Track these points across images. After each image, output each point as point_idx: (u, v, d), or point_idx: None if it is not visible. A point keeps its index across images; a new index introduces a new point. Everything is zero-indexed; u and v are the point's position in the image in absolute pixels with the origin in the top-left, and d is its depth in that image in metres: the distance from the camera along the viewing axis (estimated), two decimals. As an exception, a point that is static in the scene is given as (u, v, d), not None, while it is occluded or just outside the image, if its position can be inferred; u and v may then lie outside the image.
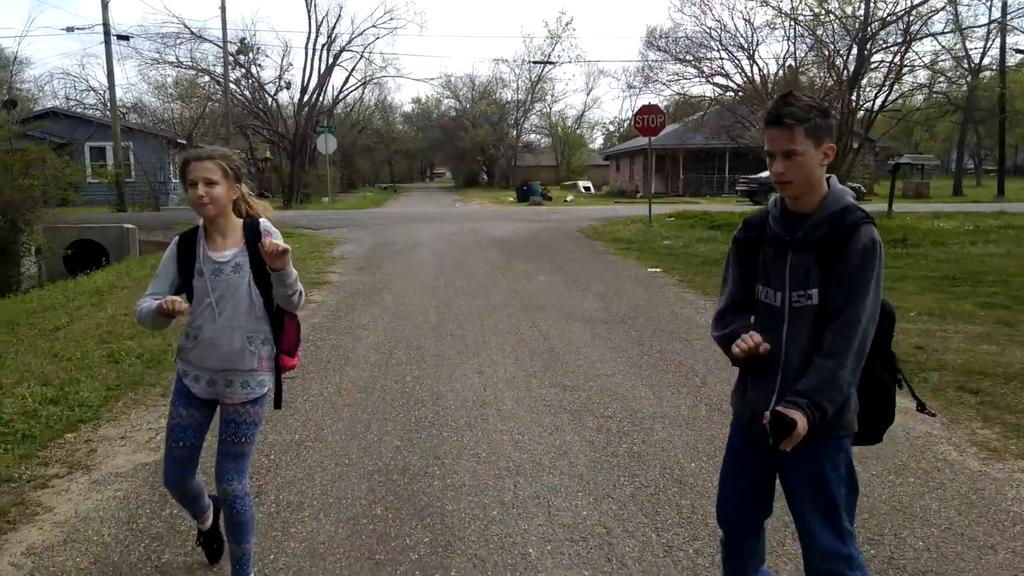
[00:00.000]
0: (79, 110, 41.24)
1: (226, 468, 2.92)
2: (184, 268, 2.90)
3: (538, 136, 72.83)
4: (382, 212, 30.10)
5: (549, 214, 26.67)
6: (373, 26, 41.91)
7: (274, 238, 2.82)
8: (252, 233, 2.87)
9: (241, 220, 2.93)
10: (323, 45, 40.34)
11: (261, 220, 2.93)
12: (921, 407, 2.60)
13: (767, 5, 19.11)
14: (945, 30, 23.00)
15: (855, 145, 19.81)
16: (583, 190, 50.10)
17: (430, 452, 4.49)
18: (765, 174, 34.16)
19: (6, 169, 15.98)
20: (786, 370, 2.35)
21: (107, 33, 28.39)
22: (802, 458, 2.31)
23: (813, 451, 2.29)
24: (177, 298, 2.78)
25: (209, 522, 3.26)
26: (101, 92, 40.95)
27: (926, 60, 19.38)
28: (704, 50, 20.94)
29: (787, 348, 2.35)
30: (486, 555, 3.35)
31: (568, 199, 40.76)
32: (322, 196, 38.56)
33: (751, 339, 2.31)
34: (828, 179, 2.34)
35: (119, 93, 46.84)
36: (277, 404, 3.06)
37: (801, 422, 2.18)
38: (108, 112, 32.03)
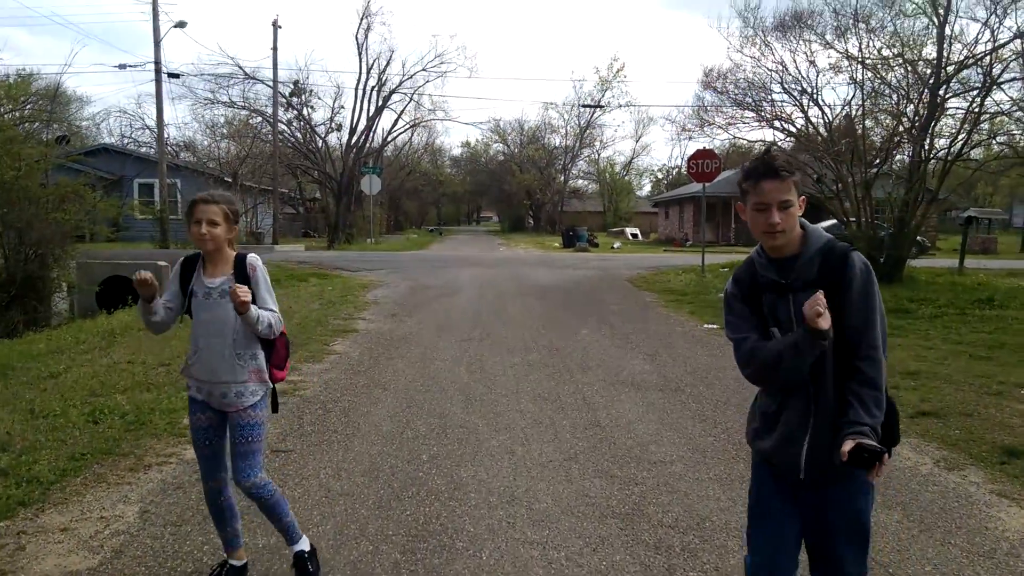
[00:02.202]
0: (132, 147, 41.79)
1: (240, 467, 3.22)
2: (184, 286, 3.26)
3: (585, 182, 72.36)
4: (424, 254, 29.42)
5: (595, 261, 25.67)
6: (423, 69, 41.39)
7: (259, 270, 3.22)
8: (240, 264, 3.22)
9: (234, 253, 3.25)
10: (373, 88, 40.43)
11: (249, 254, 3.25)
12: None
13: (830, 48, 18.04)
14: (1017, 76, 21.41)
15: (923, 198, 18.42)
16: (630, 237, 49.09)
17: (437, 574, 3.46)
18: (823, 225, 32.79)
19: (37, 202, 15.55)
20: (818, 403, 2.35)
21: (158, 71, 28.51)
22: (843, 492, 2.32)
23: (853, 483, 2.31)
24: (146, 272, 3.06)
25: (240, 562, 3.42)
26: (155, 130, 41.46)
27: (1003, 108, 17.87)
28: (763, 92, 19.88)
29: (814, 383, 2.35)
30: None
31: (615, 246, 39.73)
32: (366, 237, 38.15)
33: (817, 299, 2.23)
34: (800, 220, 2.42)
35: (172, 132, 47.65)
36: (275, 408, 3.38)
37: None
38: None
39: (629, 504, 4.29)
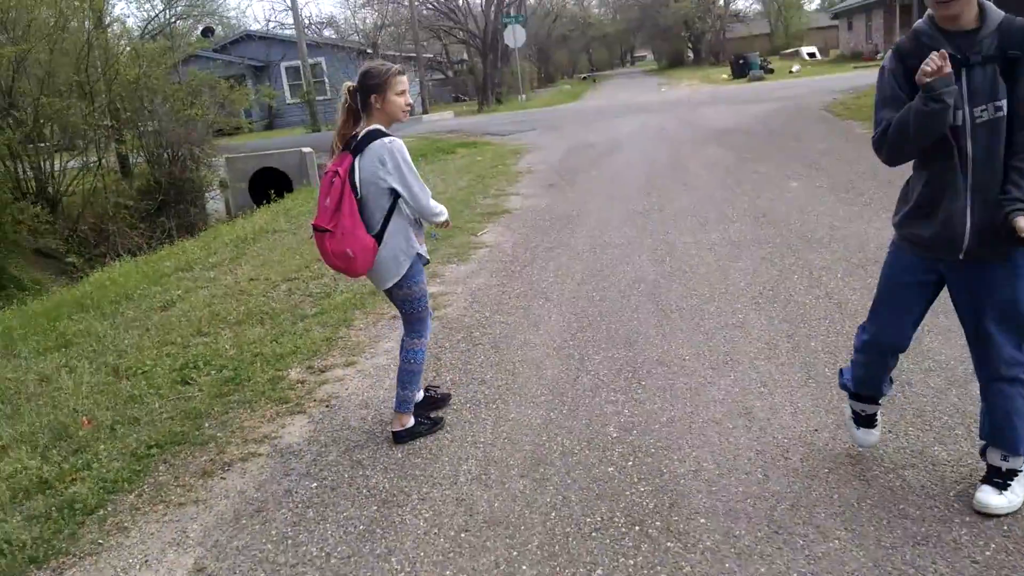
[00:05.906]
0: (276, 30, 41.08)
1: (405, 330, 3.53)
2: None
3: (747, 2, 65.24)
4: (579, 107, 26.98)
5: (776, 90, 22.29)
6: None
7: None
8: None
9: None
10: (506, -74, 36.88)
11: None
12: None
13: None
14: None
15: None
16: (807, 57, 43.60)
17: None
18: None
19: (172, 100, 14.71)
20: (976, 183, 2.25)
21: (281, -57, 26.84)
22: (996, 273, 2.27)
23: (1008, 264, 2.27)
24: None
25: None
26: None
27: None
28: None
29: (974, 163, 2.25)
30: None
31: (793, 69, 35.14)
32: (517, 95, 35.91)
33: (933, 60, 2.12)
34: None
35: (312, 9, 46.56)
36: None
37: None
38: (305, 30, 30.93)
39: (970, 514, 2.38)
